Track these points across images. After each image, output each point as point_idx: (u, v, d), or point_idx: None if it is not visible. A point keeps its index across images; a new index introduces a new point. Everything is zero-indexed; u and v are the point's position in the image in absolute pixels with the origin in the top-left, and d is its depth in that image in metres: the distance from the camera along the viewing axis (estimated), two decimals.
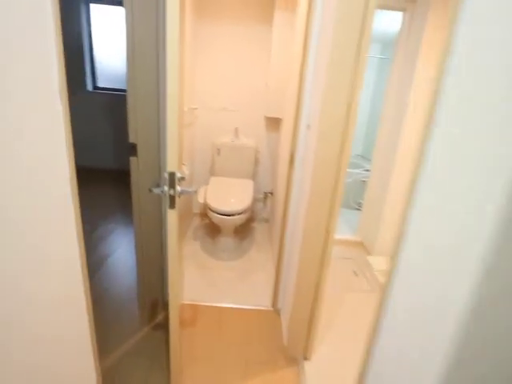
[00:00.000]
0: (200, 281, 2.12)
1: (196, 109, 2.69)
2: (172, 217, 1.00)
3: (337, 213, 1.29)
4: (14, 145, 0.66)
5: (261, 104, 2.74)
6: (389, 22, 2.67)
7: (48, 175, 0.78)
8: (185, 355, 1.53)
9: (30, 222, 0.73)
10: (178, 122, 0.91)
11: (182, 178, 1.00)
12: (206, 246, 2.56)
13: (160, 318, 1.77)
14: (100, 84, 4.07)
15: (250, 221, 3.00)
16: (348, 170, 1.37)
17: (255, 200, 2.88)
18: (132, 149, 1.49)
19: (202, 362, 1.51)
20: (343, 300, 2.04)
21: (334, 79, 1.12)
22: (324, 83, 1.16)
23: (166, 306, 1.61)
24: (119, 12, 3.68)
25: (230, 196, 2.42)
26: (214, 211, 2.23)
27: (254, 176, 2.83)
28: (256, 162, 2.83)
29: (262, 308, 1.92)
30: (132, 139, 1.48)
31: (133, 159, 1.51)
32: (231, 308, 1.88)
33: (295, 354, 1.58)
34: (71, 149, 0.83)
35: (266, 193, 2.95)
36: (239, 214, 2.25)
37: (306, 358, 1.56)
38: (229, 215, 2.22)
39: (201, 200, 2.41)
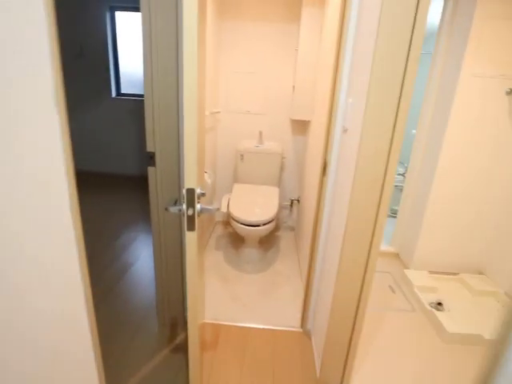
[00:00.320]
0: (223, 295, 1.99)
1: (218, 112, 2.58)
2: (191, 240, 0.87)
3: (382, 224, 1.11)
4: (11, 155, 0.56)
5: (286, 106, 2.58)
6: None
7: (45, 187, 0.67)
8: (205, 382, 1.40)
9: (29, 234, 0.63)
10: (197, 130, 0.78)
11: (203, 195, 0.86)
12: (229, 256, 2.43)
13: (180, 338, 1.65)
14: (124, 90, 4.07)
15: (274, 229, 2.84)
16: None
17: (280, 207, 2.72)
18: (150, 158, 1.39)
19: None
20: (380, 321, 1.84)
21: (380, 77, 0.95)
22: (368, 83, 0.99)
23: (186, 324, 1.49)
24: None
25: (254, 205, 2.27)
26: (237, 221, 2.10)
27: (279, 182, 2.67)
28: (281, 167, 2.67)
29: (290, 329, 1.75)
30: (150, 148, 1.37)
31: (151, 169, 1.40)
32: (256, 329, 1.74)
33: None
34: (70, 161, 0.72)
35: (292, 200, 2.79)
36: (264, 224, 2.10)
37: None
38: (253, 226, 2.08)
39: (224, 209, 2.29)
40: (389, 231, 2.71)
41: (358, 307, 1.24)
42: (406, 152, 2.82)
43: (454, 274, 2.27)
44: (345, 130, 1.27)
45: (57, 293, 0.75)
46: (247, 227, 2.08)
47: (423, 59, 3.18)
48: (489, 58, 1.87)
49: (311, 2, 2.14)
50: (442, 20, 2.06)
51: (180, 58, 1.27)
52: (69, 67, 3.85)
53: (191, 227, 0.85)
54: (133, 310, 1.84)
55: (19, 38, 0.57)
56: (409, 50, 0.92)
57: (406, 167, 2.56)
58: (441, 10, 2.06)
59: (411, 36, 0.92)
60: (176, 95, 1.29)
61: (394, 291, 2.15)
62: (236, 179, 2.67)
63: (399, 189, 2.82)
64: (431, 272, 2.26)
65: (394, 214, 2.90)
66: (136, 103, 3.90)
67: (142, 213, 3.04)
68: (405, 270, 2.28)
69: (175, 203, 0.93)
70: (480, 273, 2.29)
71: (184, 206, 0.84)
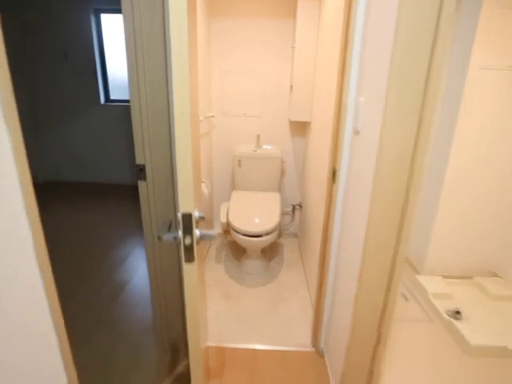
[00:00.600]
0: (226, 314, 1.85)
1: (212, 117, 2.44)
2: (190, 272, 0.73)
3: (407, 234, 0.98)
4: None
5: (284, 107, 2.45)
6: None
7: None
8: None
9: None
10: (191, 144, 0.64)
11: (202, 218, 0.73)
12: (230, 269, 2.29)
13: (182, 365, 1.51)
14: (113, 96, 3.92)
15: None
16: None
17: (282, 213, 2.59)
18: (140, 171, 1.24)
19: None
20: (395, 332, 1.71)
21: (401, 72, 0.82)
22: (385, 78, 0.86)
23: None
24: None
25: (255, 214, 2.14)
26: (238, 232, 1.96)
27: (279, 187, 2.54)
28: (281, 171, 2.54)
29: (301, 349, 1.62)
30: (139, 160, 1.23)
31: (142, 184, 1.26)
32: (265, 350, 1.60)
33: None
34: (32, 199, 0.57)
35: (294, 205, 2.66)
36: (267, 234, 1.97)
37: None
38: (255, 236, 1.95)
39: (223, 219, 2.15)
40: None
41: (381, 325, 1.11)
42: None
43: (469, 277, 2.16)
44: (356, 132, 1.14)
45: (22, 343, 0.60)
46: (249, 238, 1.94)
47: None
48: (499, 49, 1.76)
49: None
50: None
51: (169, 60, 1.13)
52: (53, 72, 3.68)
53: (190, 258, 0.71)
54: (129, 334, 1.69)
55: None
56: (435, 38, 0.79)
57: None
58: None
59: (437, 23, 0.79)
60: (166, 101, 1.15)
61: (407, 299, 2.03)
62: (234, 186, 2.53)
63: None
64: (445, 277, 2.14)
65: None
66: (126, 109, 3.75)
67: (137, 224, 2.89)
68: (417, 276, 2.15)
69: (169, 227, 0.79)
70: (494, 275, 2.18)
71: (180, 234, 0.70)
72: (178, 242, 0.71)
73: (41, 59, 3.64)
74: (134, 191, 3.76)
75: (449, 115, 1.96)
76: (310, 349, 1.62)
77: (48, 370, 0.67)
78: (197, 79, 1.16)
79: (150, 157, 1.21)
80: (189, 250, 0.70)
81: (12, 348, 0.57)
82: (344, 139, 1.23)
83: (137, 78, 1.12)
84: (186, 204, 0.67)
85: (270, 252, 2.51)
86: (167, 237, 0.73)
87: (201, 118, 2.02)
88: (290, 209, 2.68)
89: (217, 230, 0.73)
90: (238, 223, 1.97)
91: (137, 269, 2.25)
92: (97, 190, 3.85)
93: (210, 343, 1.62)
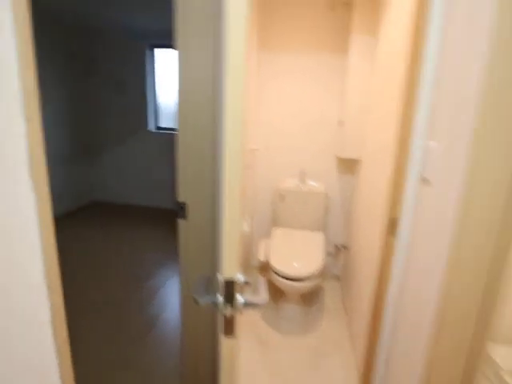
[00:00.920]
0: (260, 365, 1.67)
1: (257, 150, 2.39)
2: (229, 348, 0.61)
3: (492, 310, 0.79)
4: None
5: (331, 142, 2.34)
6: None
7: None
8: None
9: None
10: (240, 195, 0.55)
11: (247, 283, 0.62)
12: (266, 311, 2.13)
13: None
14: (162, 124, 4.09)
15: None
16: None
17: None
18: (181, 209, 1.18)
19: None
20: None
21: (496, 116, 0.68)
22: (472, 122, 0.72)
23: None
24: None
25: (296, 255, 1.99)
26: (277, 274, 1.82)
27: (323, 226, 2.38)
28: (326, 209, 2.38)
29: None
30: (181, 197, 1.17)
31: (181, 222, 1.19)
32: None
33: None
34: (51, 240, 0.50)
35: (337, 246, 2.47)
36: (309, 278, 1.81)
37: None
38: (296, 280, 1.79)
39: (261, 257, 2.03)
40: None
41: None
42: None
43: None
44: (425, 181, 0.99)
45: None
46: (289, 282, 1.79)
47: None
48: None
49: (361, 28, 1.94)
50: None
51: (218, 95, 1.08)
52: (110, 100, 3.95)
53: (229, 331, 0.60)
54: (158, 376, 1.58)
55: None
56: None
57: None
58: None
59: None
60: (211, 138, 1.09)
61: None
62: (275, 222, 2.41)
63: None
64: None
65: None
66: (173, 136, 3.87)
67: (175, 251, 2.86)
68: (488, 344, 1.83)
69: (207, 285, 0.68)
70: None
71: (220, 299, 0.59)
72: (217, 307, 0.60)
73: (100, 88, 3.93)
74: (175, 217, 3.81)
75: None
76: None
77: None
78: (247, 113, 1.10)
79: (192, 195, 1.15)
80: (229, 322, 0.58)
81: None
82: (407, 187, 1.07)
83: (185, 113, 1.08)
84: (230, 268, 0.56)
85: (310, 296, 2.31)
86: (204, 300, 0.63)
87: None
88: (334, 249, 2.49)
89: (264, 297, 0.63)
90: (278, 264, 1.83)
91: (169, 301, 2.17)
92: (140, 212, 3.93)
93: None
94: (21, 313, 0.48)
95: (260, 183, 2.50)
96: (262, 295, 0.64)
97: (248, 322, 2.01)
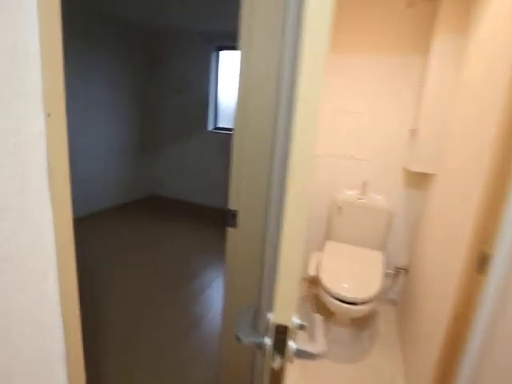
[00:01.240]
0: None
1: (319, 156, 2.24)
2: None
3: None
4: None
5: (398, 153, 2.10)
6: None
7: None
8: None
9: None
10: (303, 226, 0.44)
11: (302, 327, 0.50)
12: None
13: None
14: (221, 124, 4.13)
15: None
16: None
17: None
18: (232, 217, 1.10)
19: None
20: None
21: None
22: None
23: None
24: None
25: (351, 274, 1.81)
26: (328, 293, 1.67)
27: (383, 244, 2.15)
28: (388, 226, 2.15)
29: None
30: (233, 204, 1.09)
31: (231, 231, 1.11)
32: None
33: None
34: (72, 261, 0.44)
35: (397, 268, 2.22)
36: (363, 303, 1.62)
37: None
38: (348, 303, 1.62)
39: (311, 272, 1.88)
40: None
41: None
42: None
43: None
44: None
45: None
46: (340, 303, 1.63)
47: None
48: None
49: (447, 26, 1.69)
50: None
51: (281, 100, 0.97)
52: (173, 100, 4.09)
53: (277, 381, 0.49)
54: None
55: None
56: None
57: None
58: None
59: None
60: (270, 143, 0.99)
61: None
62: (329, 235, 2.24)
63: None
64: None
65: None
66: (230, 136, 3.89)
67: (222, 247, 2.84)
68: None
69: (254, 318, 0.58)
70: None
71: (268, 344, 0.48)
72: (263, 354, 0.49)
73: (165, 88, 4.10)
74: (225, 223, 3.82)
75: None
76: None
77: None
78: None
79: (245, 203, 1.06)
80: (277, 374, 0.48)
81: None
82: (507, 217, 0.86)
83: (244, 117, 1.00)
84: (284, 311, 0.45)
85: (362, 320, 2.10)
86: (248, 340, 0.52)
87: None
88: (393, 271, 2.24)
89: (323, 347, 0.53)
90: (330, 283, 1.67)
91: (214, 302, 2.13)
92: (193, 210, 4.02)
93: None
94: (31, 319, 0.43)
95: (316, 191, 2.34)
96: (320, 343, 0.52)
97: None
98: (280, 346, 0.47)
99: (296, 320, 0.48)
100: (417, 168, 1.90)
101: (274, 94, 0.96)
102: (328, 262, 1.88)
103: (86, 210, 3.45)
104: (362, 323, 2.08)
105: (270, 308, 0.49)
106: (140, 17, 3.29)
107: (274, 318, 0.46)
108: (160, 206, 4.08)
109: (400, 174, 2.13)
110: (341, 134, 2.20)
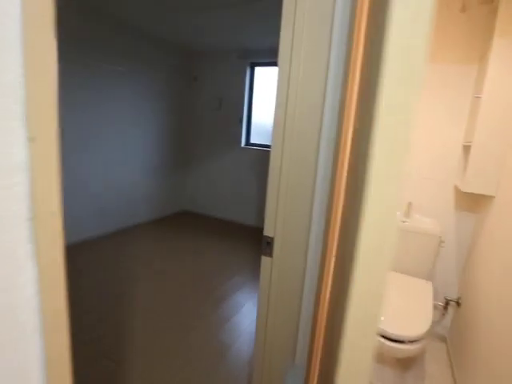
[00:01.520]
0: None
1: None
2: None
3: None
4: None
5: (450, 171, 1.91)
6: None
7: None
8: None
9: None
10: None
11: None
12: None
13: None
14: (253, 140, 4.09)
15: None
16: None
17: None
18: (267, 245, 1.00)
19: None
20: None
21: None
22: None
23: None
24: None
25: (397, 307, 1.62)
26: None
27: (430, 273, 1.94)
28: (436, 253, 1.94)
29: None
30: (269, 231, 0.99)
31: (265, 260, 1.01)
32: None
33: None
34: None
35: (448, 300, 1.98)
36: (410, 342, 1.43)
37: None
38: (394, 341, 1.43)
39: None
40: None
41: None
42: None
43: None
44: None
45: None
46: (385, 341, 1.45)
47: None
48: None
49: (508, 31, 1.52)
50: None
51: (328, 119, 0.87)
52: (208, 117, 4.12)
53: None
54: None
55: None
56: None
57: None
58: None
59: None
60: (313, 165, 0.89)
61: None
62: None
63: None
64: None
65: None
66: (263, 153, 3.83)
67: (256, 271, 2.73)
68: None
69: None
70: None
71: None
72: None
73: (199, 104, 4.15)
74: (257, 233, 3.75)
75: None
76: None
77: None
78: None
79: (283, 230, 0.96)
80: None
81: None
82: None
83: (282, 138, 0.90)
84: None
85: (408, 358, 1.88)
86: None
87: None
88: (442, 303, 2.01)
89: None
90: None
91: (243, 328, 2.01)
92: (224, 226, 3.96)
93: None
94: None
95: None
96: None
97: None
98: None
99: None
100: (470, 188, 1.70)
101: (317, 113, 0.86)
102: None
103: (118, 224, 3.50)
104: (407, 362, 1.86)
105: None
106: (178, 38, 3.38)
107: None
108: (191, 222, 4.07)
109: (451, 194, 1.93)
110: None
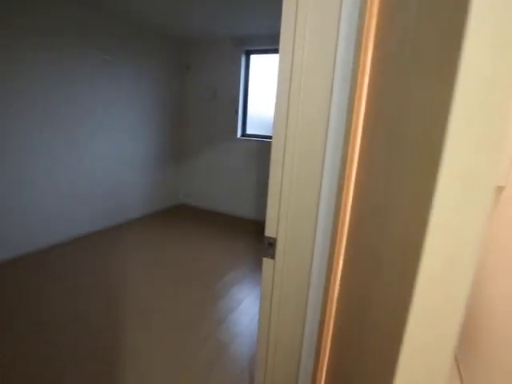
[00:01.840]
0: None
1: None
2: None
3: None
4: None
5: None
6: None
7: None
8: None
9: None
10: None
11: None
12: None
13: None
14: (249, 131, 3.99)
15: None
16: None
17: None
18: (269, 246, 0.93)
19: None
20: None
21: None
22: None
23: None
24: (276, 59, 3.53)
25: None
26: None
27: None
28: None
29: None
30: (270, 232, 0.91)
31: (267, 262, 0.94)
32: None
33: None
34: None
35: None
36: None
37: None
38: None
39: None
40: None
41: None
42: None
43: None
44: None
45: None
46: None
47: None
48: None
49: None
50: None
51: (337, 111, 0.79)
52: (203, 107, 4.00)
53: None
54: None
55: None
56: None
57: None
58: None
59: None
60: (321, 161, 0.81)
61: None
62: None
63: None
64: None
65: None
66: (259, 144, 3.73)
67: (253, 265, 2.67)
68: None
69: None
70: None
71: None
72: None
73: (195, 96, 4.03)
74: (256, 226, 3.68)
75: None
76: None
77: None
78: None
79: (286, 230, 0.88)
80: None
81: None
82: None
83: (285, 131, 0.82)
84: None
85: None
86: None
87: None
88: None
89: None
90: None
91: (240, 327, 1.96)
92: (221, 219, 3.89)
93: None
94: None
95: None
96: None
97: None
98: None
99: None
100: None
101: (325, 100, 0.78)
102: None
103: (115, 219, 3.42)
104: None
105: None
106: (167, 22, 3.24)
107: None
108: (188, 216, 3.99)
109: None
110: None
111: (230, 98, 3.80)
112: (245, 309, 2.15)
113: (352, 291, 0.69)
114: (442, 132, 0.25)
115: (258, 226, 3.76)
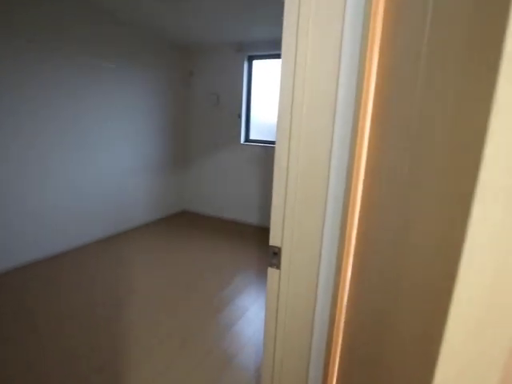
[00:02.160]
0: None
1: None
2: None
3: None
4: None
5: None
6: None
7: None
8: None
9: None
10: None
11: None
12: None
13: None
14: (252, 136, 3.97)
15: None
16: None
17: None
18: (274, 255, 0.89)
19: None
20: None
21: None
22: None
23: None
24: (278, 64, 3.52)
25: None
26: None
27: None
28: None
29: None
30: (275, 240, 0.88)
31: (272, 272, 0.90)
32: None
33: None
34: None
35: None
36: None
37: None
38: None
39: None
40: None
41: None
42: None
43: None
44: None
45: None
46: None
47: None
48: None
49: None
50: None
51: (342, 115, 0.75)
52: (205, 113, 4.00)
53: None
54: None
55: None
56: None
57: None
58: None
59: None
60: (326, 166, 0.77)
61: None
62: None
63: None
64: None
65: None
66: (263, 149, 3.70)
67: (257, 273, 2.62)
68: None
69: None
70: None
71: None
72: None
73: (198, 101, 4.02)
74: (259, 232, 3.64)
75: None
76: None
77: None
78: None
79: (292, 239, 0.84)
80: None
81: None
82: None
83: (289, 131, 0.79)
84: None
85: None
86: None
87: None
88: None
89: None
90: None
91: (247, 337, 1.91)
92: (225, 225, 3.85)
93: None
94: None
95: None
96: None
97: None
98: None
99: None
100: None
101: (330, 104, 0.74)
102: None
103: (116, 227, 3.40)
104: None
105: None
106: (169, 28, 3.24)
107: None
108: (191, 222, 3.96)
109: None
110: None
111: (233, 103, 3.79)
112: (249, 319, 2.10)
113: (364, 302, 0.65)
114: (480, 140, 0.21)
115: (263, 231, 3.72)
